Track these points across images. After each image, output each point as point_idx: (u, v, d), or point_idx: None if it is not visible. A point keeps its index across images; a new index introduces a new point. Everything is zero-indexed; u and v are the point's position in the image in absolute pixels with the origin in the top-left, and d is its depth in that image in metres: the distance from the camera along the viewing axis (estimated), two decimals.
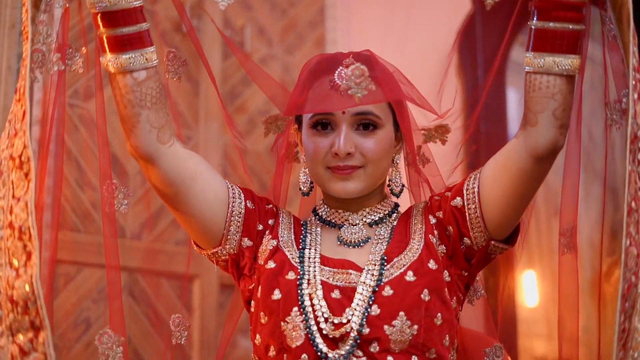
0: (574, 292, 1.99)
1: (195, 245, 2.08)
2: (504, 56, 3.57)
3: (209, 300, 3.61)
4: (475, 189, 1.99)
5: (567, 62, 1.86)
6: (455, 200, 2.01)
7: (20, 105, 1.87)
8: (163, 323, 3.46)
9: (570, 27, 1.86)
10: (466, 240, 2.00)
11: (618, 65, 1.90)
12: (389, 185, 2.09)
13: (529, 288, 4.16)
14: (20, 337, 1.77)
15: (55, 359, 1.76)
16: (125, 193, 2.01)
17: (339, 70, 1.93)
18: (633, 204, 1.79)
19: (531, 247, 4.04)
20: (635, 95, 1.82)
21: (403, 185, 2.09)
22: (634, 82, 1.83)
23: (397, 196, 2.09)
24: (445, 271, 1.99)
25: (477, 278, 2.13)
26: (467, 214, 1.99)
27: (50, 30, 1.90)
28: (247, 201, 2.04)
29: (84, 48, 1.97)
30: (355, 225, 2.05)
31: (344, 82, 1.90)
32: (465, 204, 1.99)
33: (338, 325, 1.93)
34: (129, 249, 3.41)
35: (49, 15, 1.90)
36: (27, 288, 1.75)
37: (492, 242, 2.00)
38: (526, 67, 1.89)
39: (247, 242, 2.03)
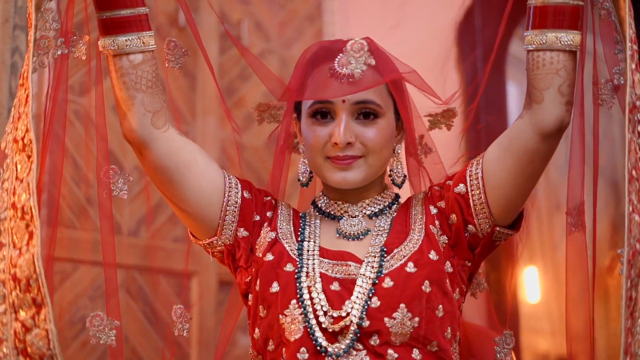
0: (584, 274, 1.96)
1: (191, 236, 2.06)
2: (503, 47, 3.55)
3: (207, 298, 3.59)
4: (479, 175, 1.97)
5: (569, 37, 1.88)
6: (458, 187, 1.98)
7: (23, 90, 1.92)
8: (161, 321, 3.44)
9: (570, 2, 1.88)
10: (470, 227, 1.98)
11: (610, 44, 1.93)
12: (390, 176, 2.06)
13: (531, 284, 4.15)
14: (22, 314, 1.82)
15: (56, 335, 1.79)
16: (125, 179, 2.01)
17: (338, 57, 1.94)
18: (634, 172, 1.81)
19: (533, 243, 4.03)
20: (633, 65, 1.86)
21: (405, 176, 2.06)
22: (630, 52, 1.86)
23: (399, 187, 2.06)
24: (447, 262, 1.97)
25: (480, 271, 2.11)
26: (471, 200, 1.97)
27: (56, 16, 1.95)
28: (244, 191, 2.02)
29: (87, 36, 2.00)
30: (355, 217, 2.03)
31: (344, 69, 1.91)
32: (469, 190, 1.97)
33: (337, 319, 1.90)
34: (126, 246, 3.39)
35: (55, 2, 1.95)
36: (29, 266, 1.81)
37: (497, 228, 1.98)
38: (528, 46, 1.90)
39: (243, 232, 2.01)
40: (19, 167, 1.88)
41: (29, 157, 1.86)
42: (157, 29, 1.99)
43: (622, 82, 1.89)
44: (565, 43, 1.88)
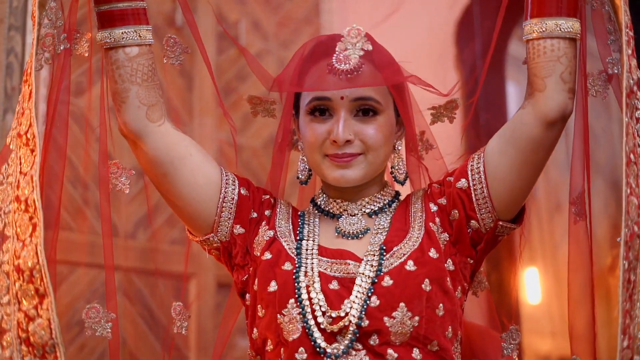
0: (586, 271, 1.93)
1: (188, 233, 2.05)
2: (502, 47, 3.54)
3: (205, 300, 3.57)
4: (481, 169, 1.95)
5: (568, 24, 1.89)
6: (460, 182, 1.96)
7: (27, 86, 1.95)
8: (159, 324, 3.42)
9: None
10: (473, 223, 1.96)
11: (602, 35, 1.94)
12: (392, 173, 2.04)
13: (532, 285, 4.13)
14: (25, 304, 1.85)
15: (58, 324, 1.83)
16: (127, 174, 2.02)
17: (336, 53, 1.92)
18: (632, 156, 1.83)
19: (533, 244, 4.02)
20: (629, 51, 1.88)
21: (407, 172, 2.04)
22: (627, 38, 1.89)
23: (402, 184, 2.04)
24: (449, 260, 1.95)
25: (481, 269, 2.09)
26: (473, 195, 1.95)
27: (59, 13, 1.98)
28: (241, 188, 2.01)
29: (89, 33, 2.02)
30: (354, 215, 2.00)
31: (342, 64, 1.90)
32: (471, 184, 1.95)
33: (336, 319, 1.88)
34: (124, 249, 3.37)
35: (59, 2, 1.98)
36: (32, 257, 1.85)
37: (500, 223, 1.96)
38: (528, 35, 1.91)
39: (239, 229, 1.99)
40: (22, 161, 1.91)
41: (32, 151, 1.89)
42: (154, 30, 1.99)
43: (616, 71, 1.91)
44: (566, 30, 1.88)
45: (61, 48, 1.98)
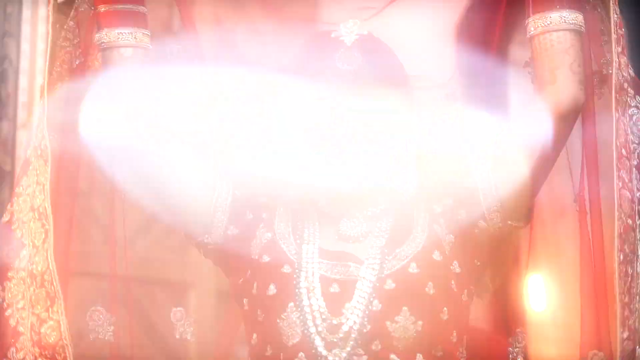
0: (591, 261, 1.92)
1: (184, 236, 2.05)
2: (503, 52, 3.53)
3: (206, 310, 3.54)
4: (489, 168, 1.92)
5: (572, 16, 1.90)
6: (467, 182, 1.94)
7: (42, 100, 2.01)
8: (158, 333, 3.39)
9: None
10: (481, 223, 1.93)
11: (595, 37, 1.99)
12: None
13: (536, 292, 4.11)
14: (38, 307, 1.95)
15: (67, 326, 1.93)
16: None
17: (339, 52, 1.92)
18: (623, 150, 1.87)
19: (537, 251, 3.99)
20: (619, 49, 1.93)
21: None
22: (616, 36, 1.93)
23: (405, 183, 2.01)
24: (455, 262, 1.92)
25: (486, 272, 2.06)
26: (481, 195, 1.93)
27: (76, 31, 2.08)
28: (236, 190, 1.98)
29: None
30: (355, 218, 1.97)
31: (344, 65, 1.91)
32: (479, 185, 1.93)
33: (337, 326, 1.85)
34: (121, 256, 3.34)
35: (76, 20, 2.08)
36: (44, 262, 1.95)
37: (509, 222, 1.95)
38: (533, 31, 1.91)
39: (233, 230, 1.97)
40: (38, 172, 1.99)
41: (45, 161, 1.96)
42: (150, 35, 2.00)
43: (610, 71, 1.94)
44: (571, 22, 1.89)
45: (76, 63, 2.05)
